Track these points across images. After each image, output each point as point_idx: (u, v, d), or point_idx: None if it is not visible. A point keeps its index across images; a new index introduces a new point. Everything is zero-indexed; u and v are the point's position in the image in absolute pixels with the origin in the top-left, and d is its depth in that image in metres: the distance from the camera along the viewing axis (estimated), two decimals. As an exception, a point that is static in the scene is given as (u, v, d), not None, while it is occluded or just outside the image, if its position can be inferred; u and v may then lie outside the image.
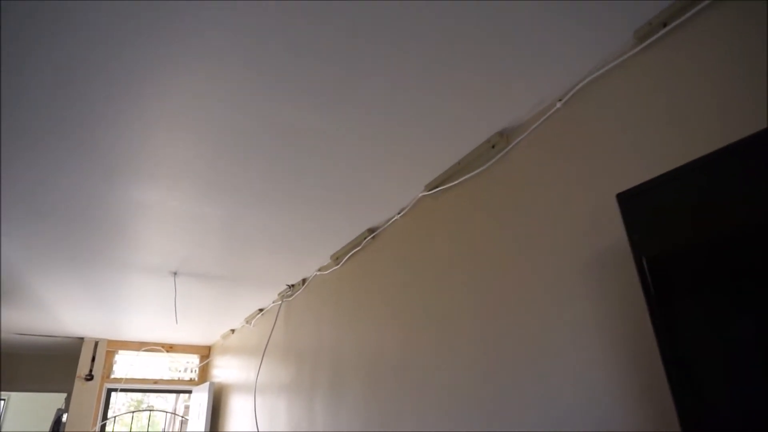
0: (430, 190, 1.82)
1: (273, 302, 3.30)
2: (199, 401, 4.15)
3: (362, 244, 2.26)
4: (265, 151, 1.66)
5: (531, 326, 1.33)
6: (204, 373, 4.73)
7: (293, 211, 2.09)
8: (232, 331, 4.10)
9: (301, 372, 2.71)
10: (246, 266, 2.74)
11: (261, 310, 3.50)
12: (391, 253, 2.06)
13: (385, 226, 2.13)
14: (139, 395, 7.40)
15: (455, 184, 1.71)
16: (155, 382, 4.47)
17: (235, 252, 2.54)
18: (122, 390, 4.35)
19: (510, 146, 1.51)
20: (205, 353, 4.77)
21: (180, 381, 4.73)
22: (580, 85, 1.31)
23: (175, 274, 2.72)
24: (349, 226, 2.25)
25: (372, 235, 2.21)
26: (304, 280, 2.90)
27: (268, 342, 3.17)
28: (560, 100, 1.36)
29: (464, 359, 1.54)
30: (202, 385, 4.22)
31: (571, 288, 1.23)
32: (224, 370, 4.15)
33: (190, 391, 4.64)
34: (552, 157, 1.37)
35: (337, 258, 2.49)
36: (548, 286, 1.30)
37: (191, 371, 4.79)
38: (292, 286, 2.99)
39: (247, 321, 3.72)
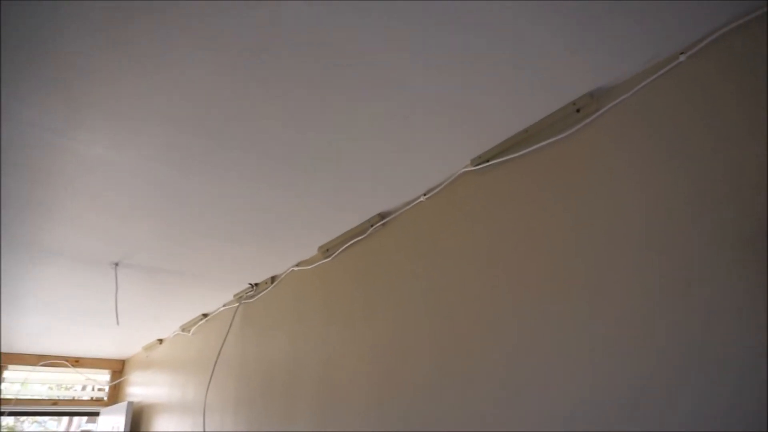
0: (476, 165, 1.56)
1: (224, 305, 2.83)
2: (111, 425, 3.49)
3: (368, 233, 1.94)
4: (248, 95, 1.30)
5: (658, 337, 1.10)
6: (116, 392, 4.03)
7: (277, 186, 1.73)
8: (160, 341, 3.51)
9: (269, 390, 2.29)
10: (202, 258, 2.29)
11: (205, 315, 3.00)
12: (409, 242, 1.76)
13: (403, 210, 1.82)
14: (15, 419, 6.29)
15: (516, 157, 1.46)
16: (54, 402, 3.72)
17: (190, 239, 2.10)
18: (10, 413, 3.56)
19: (603, 110, 1.29)
20: (118, 368, 4.07)
21: (82, 401, 3.99)
22: (714, 36, 1.12)
23: (116, 265, 2.20)
24: (352, 210, 1.91)
25: (382, 222, 1.89)
26: (273, 278, 2.49)
27: (220, 352, 2.69)
28: (684, 53, 1.16)
29: (530, 384, 1.28)
30: (115, 406, 3.56)
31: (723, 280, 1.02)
32: (147, 389, 3.53)
33: (97, 413, 3.92)
34: (662, 125, 1.17)
35: (327, 250, 2.14)
36: (680, 287, 1.08)
37: (98, 389, 4.06)
38: (256, 285, 2.57)
39: (184, 329, 3.19)
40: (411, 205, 1.80)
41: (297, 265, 2.33)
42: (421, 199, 1.75)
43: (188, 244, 2.14)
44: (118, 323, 2.47)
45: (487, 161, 1.54)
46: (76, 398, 4.45)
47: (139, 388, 3.66)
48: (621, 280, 1.16)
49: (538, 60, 1.21)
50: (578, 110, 1.33)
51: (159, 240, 2.07)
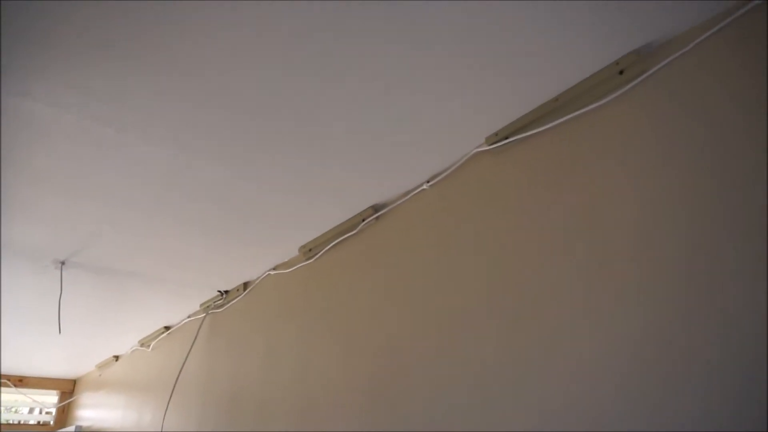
0: (492, 144, 1.32)
1: (189, 316, 2.51)
2: (56, 454, 3.09)
3: (358, 228, 1.68)
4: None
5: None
6: (64, 416, 3.61)
7: (252, 177, 1.48)
8: (116, 357, 3.15)
9: (238, 413, 1.97)
10: (165, 260, 2.00)
11: (168, 328, 2.67)
12: (409, 238, 1.51)
13: (401, 201, 1.57)
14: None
15: (543, 131, 1.24)
16: (-8, 428, 3.30)
17: (152, 236, 1.81)
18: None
19: (651, 71, 1.07)
20: (68, 389, 3.67)
21: (28, 426, 3.56)
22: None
23: (62, 264, 1.89)
24: (339, 204, 1.66)
25: (376, 215, 1.64)
26: (246, 284, 2.20)
27: (181, 369, 2.36)
28: (758, -4, 0.96)
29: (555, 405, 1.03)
30: (62, 432, 3.17)
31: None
32: (99, 412, 3.15)
33: (41, 441, 3.50)
34: (725, 87, 0.96)
35: (310, 250, 1.86)
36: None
37: (46, 412, 3.64)
38: (226, 292, 2.27)
39: (143, 344, 2.85)
40: (411, 195, 1.55)
41: (274, 269, 2.04)
42: (424, 187, 1.51)
43: (150, 242, 1.85)
44: (60, 331, 2.13)
45: (506, 138, 1.30)
46: (22, 422, 4.01)
47: (90, 411, 3.27)
48: (669, 277, 0.93)
49: (572, 13, 1.00)
50: (621, 72, 1.12)
51: (115, 234, 1.78)
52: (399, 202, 1.58)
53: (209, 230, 1.79)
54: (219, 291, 2.26)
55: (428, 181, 1.50)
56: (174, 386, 2.36)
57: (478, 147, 1.37)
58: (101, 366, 3.28)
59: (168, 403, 2.36)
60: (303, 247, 1.89)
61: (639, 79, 1.09)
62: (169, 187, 1.53)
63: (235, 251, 1.96)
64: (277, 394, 1.79)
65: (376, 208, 1.65)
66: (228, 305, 2.26)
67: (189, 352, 2.36)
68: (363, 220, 1.67)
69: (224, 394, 2.08)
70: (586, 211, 1.11)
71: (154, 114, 1.24)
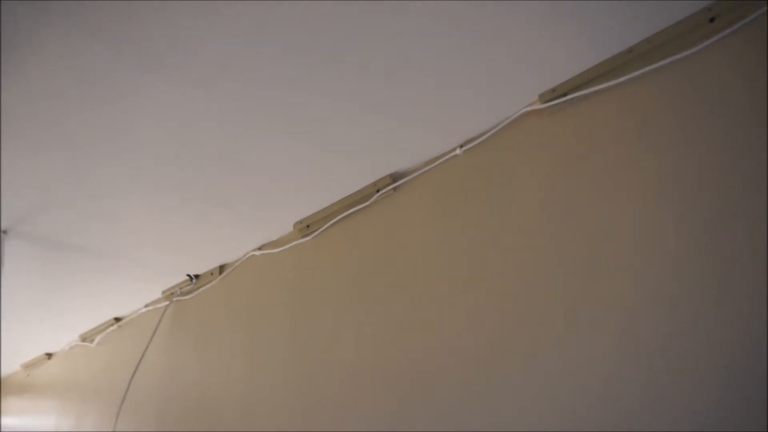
0: (547, 102, 1.19)
1: (147, 306, 2.20)
2: (-33, 469, 2.63)
3: (371, 200, 1.49)
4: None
5: None
6: (-23, 425, 3.11)
7: (238, 134, 1.26)
8: (49, 355, 2.74)
9: (210, 426, 1.71)
10: (124, 234, 1.71)
11: (118, 319, 2.34)
12: (435, 212, 1.34)
13: (426, 168, 1.40)
14: None
15: (611, 87, 1.11)
16: None
17: (111, 205, 1.54)
18: None
19: (750, 17, 0.97)
20: (-16, 394, 3.17)
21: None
22: None
23: (4, 233, 1.56)
24: (348, 171, 1.46)
25: (394, 186, 1.45)
26: (222, 267, 1.94)
27: (136, 370, 2.04)
28: None
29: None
30: (-24, 443, 2.71)
31: None
32: (26, 420, 2.71)
33: (-53, 454, 2.98)
34: None
35: (307, 226, 1.65)
36: None
37: (-47, 422, 3.12)
38: (196, 276, 1.99)
39: (86, 338, 2.48)
40: (439, 162, 1.38)
41: (260, 248, 1.80)
42: (456, 152, 1.34)
43: (111, 210, 1.56)
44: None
45: (564, 95, 1.17)
46: None
47: (14, 419, 2.82)
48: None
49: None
50: (712, 19, 1.01)
51: (72, 199, 1.48)
52: (423, 170, 1.41)
53: (183, 199, 1.53)
54: (188, 275, 1.98)
55: (462, 146, 1.34)
56: (127, 390, 2.03)
57: (528, 106, 1.23)
58: (29, 365, 2.85)
59: (118, 411, 2.03)
60: (299, 222, 1.67)
61: (733, 27, 0.99)
62: (143, 144, 1.28)
63: (212, 226, 1.70)
64: (265, 400, 1.54)
65: (394, 177, 1.47)
66: (198, 292, 1.98)
67: (146, 349, 2.05)
68: (377, 191, 1.48)
69: (190, 400, 1.80)
70: (662, 180, 0.98)
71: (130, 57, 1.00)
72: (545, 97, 1.19)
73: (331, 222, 1.58)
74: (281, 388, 1.51)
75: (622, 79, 1.09)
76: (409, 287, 1.32)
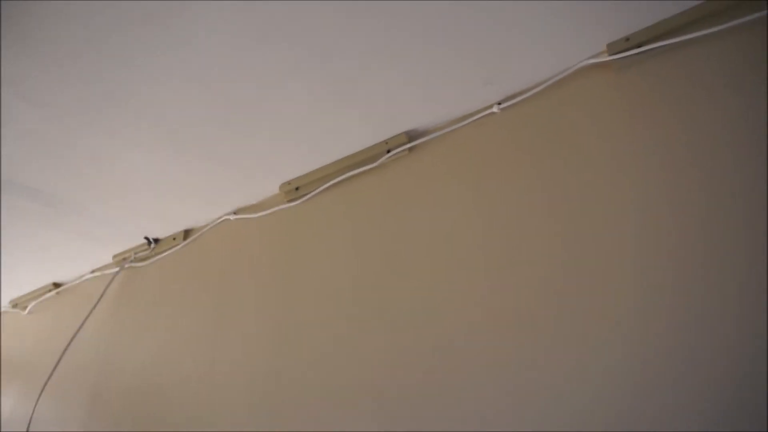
0: (616, 54, 0.97)
1: (93, 271, 1.89)
2: None
3: (380, 161, 1.25)
4: None
5: None
6: None
7: (228, 79, 1.00)
8: (-30, 322, 2.37)
9: (157, 415, 1.43)
10: (82, 184, 1.42)
11: (57, 285, 2.01)
12: (462, 176, 1.12)
13: (453, 127, 1.17)
14: None
15: (702, 37, 0.91)
16: None
17: (75, 146, 1.25)
18: None
19: None
20: None
21: None
22: None
23: None
24: (353, 126, 1.22)
25: (410, 145, 1.22)
26: (187, 232, 1.66)
27: (70, 343, 1.73)
28: None
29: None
30: None
31: None
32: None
33: None
34: None
35: (297, 188, 1.39)
36: None
37: None
38: (156, 241, 1.70)
39: (17, 305, 2.14)
40: (469, 121, 1.15)
41: (235, 212, 1.53)
42: (494, 110, 1.12)
43: (64, 152, 1.26)
44: None
45: (639, 47, 0.96)
46: None
47: None
48: None
49: None
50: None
51: (22, 132, 1.18)
52: (447, 130, 1.18)
53: (150, 148, 1.26)
54: (146, 238, 1.69)
55: (500, 103, 1.12)
56: (56, 365, 1.72)
57: (591, 57, 1.01)
58: (-55, 332, 2.47)
59: (43, 388, 1.72)
60: (287, 184, 1.41)
61: None
62: (115, 92, 1.00)
63: (179, 183, 1.43)
64: (227, 389, 1.27)
65: (410, 136, 1.23)
66: (156, 258, 1.69)
67: (86, 319, 1.74)
68: (388, 151, 1.24)
69: (133, 383, 1.51)
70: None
71: None
72: (616, 48, 0.98)
73: (327, 185, 1.33)
74: (249, 378, 1.25)
75: (714, 29, 0.89)
76: (418, 268, 1.09)
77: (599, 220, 0.91)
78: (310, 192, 1.36)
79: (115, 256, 1.81)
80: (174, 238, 1.66)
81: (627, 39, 0.97)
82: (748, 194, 0.79)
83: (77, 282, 1.93)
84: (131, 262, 1.74)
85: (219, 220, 1.56)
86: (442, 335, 1.00)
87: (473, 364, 0.94)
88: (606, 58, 0.98)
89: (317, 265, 1.28)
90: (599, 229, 0.90)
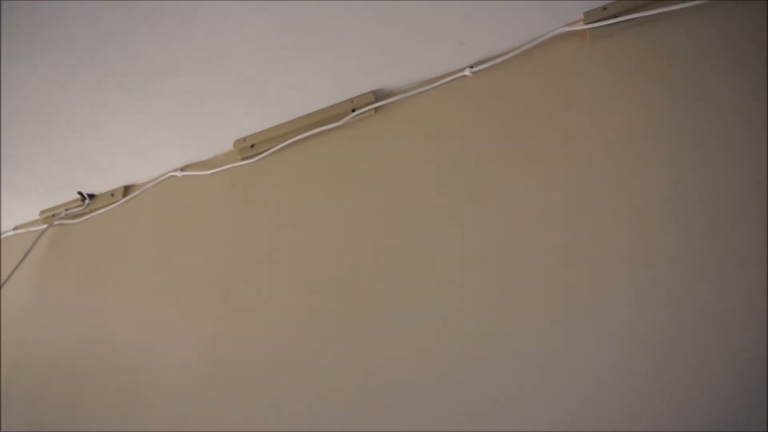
0: (593, 23, 0.97)
1: (15, 228, 1.72)
2: None
3: (344, 120, 1.20)
4: None
5: None
6: None
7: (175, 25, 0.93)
8: None
9: (86, 392, 1.34)
10: (11, 127, 1.27)
11: (-28, 242, 1.82)
12: (430, 140, 1.09)
13: (423, 89, 1.14)
14: None
15: (682, 9, 0.92)
16: None
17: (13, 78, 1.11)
18: None
19: None
20: None
21: None
22: None
23: None
24: (317, 81, 1.16)
25: (376, 105, 1.18)
26: (127, 188, 1.54)
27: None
28: None
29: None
30: None
31: None
32: None
33: None
34: None
35: (252, 146, 1.32)
36: None
37: None
38: (91, 196, 1.57)
39: None
40: (441, 83, 1.12)
41: (183, 169, 1.43)
42: (465, 73, 1.10)
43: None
44: None
45: (615, 17, 0.96)
46: None
47: None
48: None
49: None
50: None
51: None
52: (416, 91, 1.15)
53: (88, 94, 1.14)
54: (79, 193, 1.55)
55: (472, 66, 1.09)
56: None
57: (568, 25, 1.01)
58: None
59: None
60: (242, 140, 1.33)
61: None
62: (44, 16, 0.89)
63: (121, 133, 1.31)
64: (170, 365, 1.19)
65: (378, 96, 1.19)
66: (90, 216, 1.56)
67: (4, 283, 1.59)
68: (353, 110, 1.19)
69: (58, 356, 1.38)
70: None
71: None
72: (592, 17, 0.97)
73: (285, 143, 1.26)
74: (194, 350, 1.17)
75: (692, 3, 0.90)
76: (379, 234, 1.06)
77: (568, 188, 0.91)
78: (267, 150, 1.29)
79: (42, 212, 1.65)
80: (112, 195, 1.54)
81: (604, 8, 0.97)
82: (721, 167, 0.81)
83: (-2, 239, 1.76)
84: (61, 218, 1.60)
85: (164, 177, 1.45)
86: (407, 306, 0.98)
87: (441, 349, 0.93)
88: (582, 26, 0.98)
89: (272, 228, 1.22)
90: (568, 198, 0.90)
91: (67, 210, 1.59)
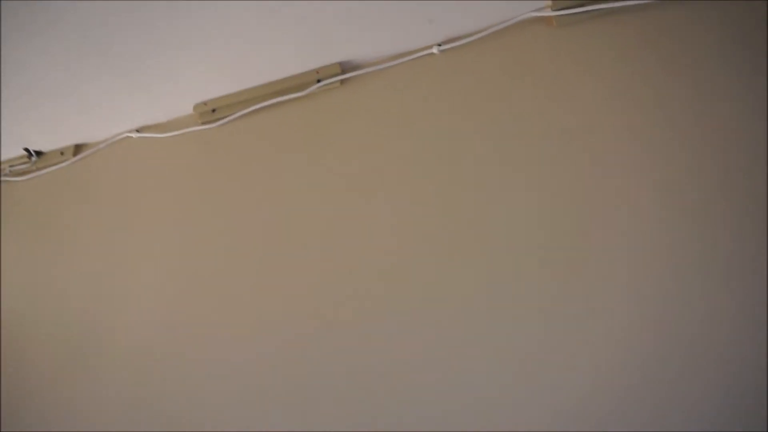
0: (559, 10, 0.99)
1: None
2: None
3: (308, 90, 1.18)
4: None
5: None
6: None
7: None
8: None
9: (36, 358, 1.29)
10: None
11: None
12: (393, 114, 1.09)
13: (391, 64, 1.14)
14: None
15: (642, 4, 0.95)
16: None
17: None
18: None
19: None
20: None
21: None
22: None
23: None
24: (279, 46, 1.14)
25: (341, 77, 1.17)
26: (78, 147, 1.48)
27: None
28: None
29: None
30: None
31: None
32: None
33: None
34: None
35: (213, 111, 1.28)
36: None
37: None
38: (38, 153, 1.50)
39: None
40: (408, 59, 1.12)
41: (138, 130, 1.39)
42: (433, 50, 1.10)
43: None
44: None
45: (582, 5, 0.98)
46: None
47: None
48: None
49: None
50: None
51: None
52: (384, 66, 1.14)
53: (42, 49, 1.09)
54: (26, 149, 1.48)
55: (440, 44, 1.10)
56: None
57: (536, 10, 1.02)
58: None
59: None
60: (203, 104, 1.29)
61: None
62: None
63: (76, 91, 1.26)
64: (128, 330, 1.17)
65: (344, 67, 1.17)
66: (37, 174, 1.49)
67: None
68: (318, 81, 1.18)
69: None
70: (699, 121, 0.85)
71: None
72: (560, 4, 0.99)
73: (248, 110, 1.24)
74: (147, 319, 1.15)
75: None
76: (342, 204, 1.07)
77: (531, 169, 0.93)
78: (228, 116, 1.26)
79: (-21, 169, 1.57)
80: (62, 153, 1.47)
81: (572, -6, 0.98)
82: (691, 154, 0.85)
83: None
84: (5, 175, 1.52)
85: (118, 137, 1.40)
86: (359, 280, 0.99)
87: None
88: (549, 12, 0.99)
89: (230, 196, 1.20)
90: (531, 178, 0.93)
91: (11, 167, 1.51)
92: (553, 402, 0.81)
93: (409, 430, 0.84)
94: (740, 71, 0.85)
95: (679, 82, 0.88)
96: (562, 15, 0.98)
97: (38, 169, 1.49)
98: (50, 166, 1.47)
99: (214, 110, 1.28)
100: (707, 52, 0.87)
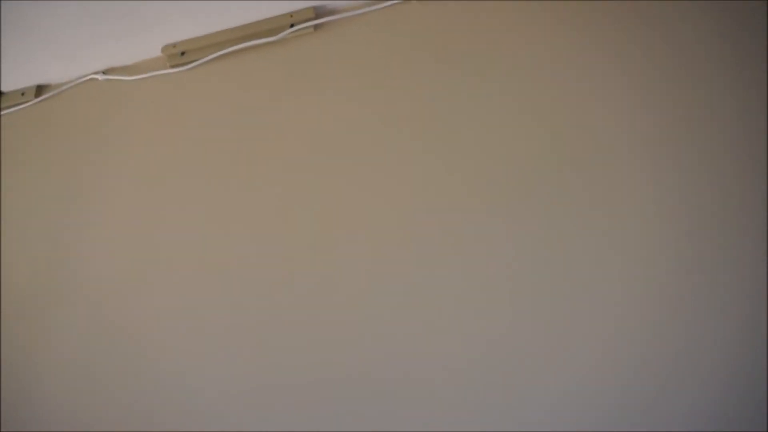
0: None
1: None
2: None
3: (280, 35, 1.15)
4: None
5: None
6: None
7: None
8: None
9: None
10: None
11: None
12: (373, 63, 1.07)
13: (367, 9, 1.11)
14: None
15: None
16: None
17: None
18: None
19: None
20: None
21: None
22: None
23: None
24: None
25: (315, 22, 1.13)
26: (40, 88, 1.42)
27: None
28: None
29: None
30: None
31: None
32: None
33: None
34: None
35: (183, 54, 1.24)
36: None
37: None
38: (-2, 94, 1.44)
39: None
40: (385, 5, 1.09)
41: (105, 72, 1.33)
42: (411, -3, 1.07)
43: None
44: None
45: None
46: None
47: None
48: None
49: None
50: None
51: None
52: (360, 11, 1.11)
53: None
54: (-16, 90, 1.42)
55: (418, -9, 1.07)
56: None
57: (515, -44, 1.00)
58: None
59: None
60: (171, 46, 1.25)
61: None
62: None
63: (38, 28, 1.20)
64: (91, 283, 1.13)
65: (319, 12, 1.14)
66: (-3, 116, 1.43)
67: None
68: (291, 26, 1.14)
69: None
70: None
71: None
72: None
73: (218, 54, 1.20)
74: (109, 274, 1.11)
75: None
76: (313, 153, 1.05)
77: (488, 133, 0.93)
78: (198, 59, 1.22)
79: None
80: (23, 94, 1.41)
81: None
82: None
83: None
84: (-37, 116, 1.45)
85: (84, 79, 1.35)
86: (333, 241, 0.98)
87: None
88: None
89: (198, 142, 1.17)
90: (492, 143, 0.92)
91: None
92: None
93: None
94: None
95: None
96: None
97: (-2, 110, 1.43)
98: (10, 107, 1.41)
99: (183, 53, 1.24)
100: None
